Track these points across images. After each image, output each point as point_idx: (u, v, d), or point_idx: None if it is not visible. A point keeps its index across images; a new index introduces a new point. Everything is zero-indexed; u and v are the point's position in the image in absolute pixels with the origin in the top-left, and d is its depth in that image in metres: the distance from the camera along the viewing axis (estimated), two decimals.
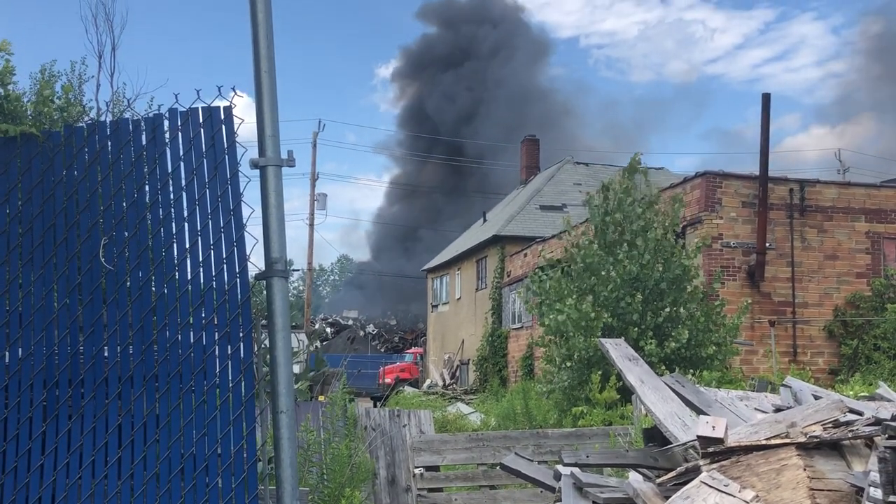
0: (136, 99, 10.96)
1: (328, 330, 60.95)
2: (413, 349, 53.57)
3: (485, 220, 44.83)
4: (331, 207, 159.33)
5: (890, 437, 3.77)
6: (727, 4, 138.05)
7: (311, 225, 47.91)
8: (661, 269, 15.78)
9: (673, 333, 15.50)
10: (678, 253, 16.20)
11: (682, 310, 15.89)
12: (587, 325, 15.70)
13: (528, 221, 37.44)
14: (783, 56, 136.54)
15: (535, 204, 39.38)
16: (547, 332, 16.97)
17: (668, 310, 15.72)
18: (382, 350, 58.32)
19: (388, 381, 38.83)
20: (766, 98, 20.99)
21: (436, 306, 47.31)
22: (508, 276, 35.30)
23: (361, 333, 61.52)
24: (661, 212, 16.76)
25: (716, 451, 4.41)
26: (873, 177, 31.82)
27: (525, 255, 32.82)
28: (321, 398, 14.54)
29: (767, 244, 20.56)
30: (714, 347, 15.81)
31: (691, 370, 14.87)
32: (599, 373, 14.53)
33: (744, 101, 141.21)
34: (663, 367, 14.38)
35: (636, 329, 15.51)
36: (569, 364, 15.95)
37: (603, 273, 15.96)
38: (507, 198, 48.29)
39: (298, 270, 49.62)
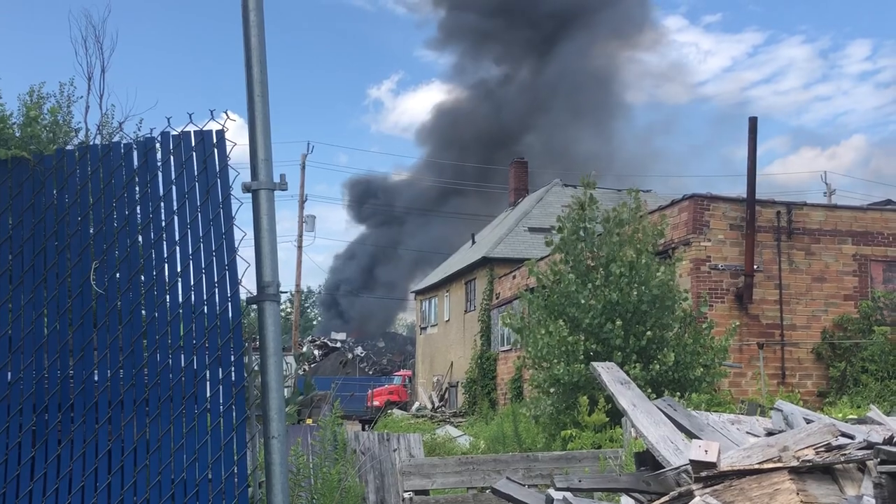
0: (126, 121, 10.98)
1: (316, 353, 60.76)
2: (402, 371, 53.44)
3: (473, 243, 44.87)
4: (320, 229, 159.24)
5: (883, 462, 3.77)
6: (716, 28, 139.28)
7: (300, 247, 47.88)
8: (637, 293, 15.72)
9: (658, 356, 15.48)
10: (653, 272, 16.11)
11: (668, 333, 15.88)
12: (567, 351, 15.67)
13: (517, 243, 37.48)
14: (771, 79, 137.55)
15: (523, 226, 39.45)
16: (528, 357, 16.97)
17: (650, 333, 15.70)
18: (371, 373, 58.15)
19: (376, 403, 38.69)
20: (753, 122, 21.14)
21: (424, 328, 47.25)
22: (497, 298, 35.30)
23: (350, 356, 61.35)
24: (636, 233, 16.69)
25: (708, 475, 4.41)
26: (862, 199, 32.04)
27: (514, 277, 32.84)
28: (309, 422, 14.47)
29: (755, 266, 20.64)
30: (702, 370, 15.80)
31: (679, 393, 14.86)
32: (586, 397, 14.51)
33: (732, 123, 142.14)
34: (650, 390, 14.36)
35: (620, 354, 15.48)
36: (553, 390, 15.91)
37: (583, 301, 15.93)
38: (496, 220, 48.38)
39: (286, 293, 49.61)
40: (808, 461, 4.34)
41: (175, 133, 4.84)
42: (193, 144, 4.80)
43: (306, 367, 47.58)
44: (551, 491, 5.04)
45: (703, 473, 4.41)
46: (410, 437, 11.30)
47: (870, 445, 4.31)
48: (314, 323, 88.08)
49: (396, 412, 34.72)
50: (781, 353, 20.90)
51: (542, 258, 19.70)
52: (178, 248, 4.76)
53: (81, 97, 10.90)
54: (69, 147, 9.31)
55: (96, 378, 4.68)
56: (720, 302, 20.39)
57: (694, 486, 4.45)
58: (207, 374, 4.64)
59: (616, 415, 12.79)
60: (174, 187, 4.80)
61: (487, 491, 9.21)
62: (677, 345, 15.78)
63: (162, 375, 4.65)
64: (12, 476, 4.57)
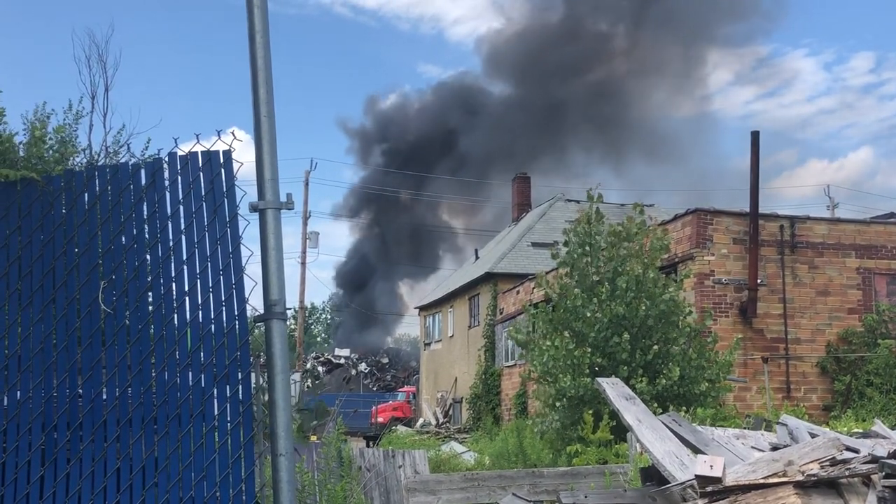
0: (131, 139, 11.02)
1: (320, 369, 60.73)
2: (406, 388, 53.39)
3: (477, 258, 44.91)
4: (323, 245, 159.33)
5: (887, 476, 3.80)
6: (719, 41, 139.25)
7: (304, 263, 47.97)
8: (644, 307, 15.77)
9: (664, 371, 15.49)
10: (661, 288, 16.16)
11: (673, 347, 15.89)
12: (573, 365, 15.67)
13: (520, 259, 37.53)
14: (775, 92, 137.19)
15: (526, 241, 39.50)
16: (533, 371, 16.99)
17: (656, 347, 15.72)
18: (375, 389, 58.09)
19: (381, 420, 38.64)
20: (756, 136, 21.20)
21: (428, 344, 47.23)
22: (501, 313, 35.30)
23: (353, 372, 61.30)
24: (641, 248, 16.74)
25: (714, 490, 4.43)
26: (867, 212, 32.02)
27: (517, 292, 32.85)
28: (314, 439, 14.47)
29: (759, 280, 20.65)
30: (707, 384, 15.79)
31: (684, 407, 14.85)
32: (591, 412, 14.50)
33: (737, 136, 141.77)
34: (655, 405, 14.35)
35: (626, 368, 15.48)
36: (558, 404, 15.92)
37: (588, 315, 15.96)
38: (499, 235, 48.44)
39: (290, 309, 49.68)
40: (813, 476, 4.36)
41: (182, 153, 4.88)
42: (201, 165, 4.84)
43: (309, 384, 47.57)
44: None
45: (709, 489, 4.43)
46: (415, 453, 11.32)
47: (874, 459, 4.33)
48: (318, 339, 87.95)
49: (401, 428, 34.68)
50: (786, 367, 20.88)
51: (549, 271, 19.76)
52: (185, 267, 4.80)
53: (88, 113, 10.95)
54: (74, 166, 9.37)
55: (105, 397, 4.71)
56: (724, 316, 20.41)
57: (699, 502, 4.47)
58: (215, 392, 4.66)
59: (621, 430, 12.77)
60: (182, 207, 4.84)
61: None
62: (682, 359, 15.78)
63: (170, 394, 4.68)
64: (21, 495, 4.60)
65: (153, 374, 4.72)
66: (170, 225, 4.84)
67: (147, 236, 4.87)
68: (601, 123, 73.90)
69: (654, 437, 5.24)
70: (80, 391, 4.74)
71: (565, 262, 17.06)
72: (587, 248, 16.77)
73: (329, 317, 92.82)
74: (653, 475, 5.34)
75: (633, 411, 5.54)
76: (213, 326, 4.71)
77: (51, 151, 9.56)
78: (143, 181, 4.93)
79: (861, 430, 8.17)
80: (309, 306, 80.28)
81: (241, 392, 4.63)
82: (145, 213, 4.88)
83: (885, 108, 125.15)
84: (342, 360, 64.09)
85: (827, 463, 4.53)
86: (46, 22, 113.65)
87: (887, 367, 19.65)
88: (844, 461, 4.51)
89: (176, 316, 4.79)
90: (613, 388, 5.71)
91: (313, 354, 67.09)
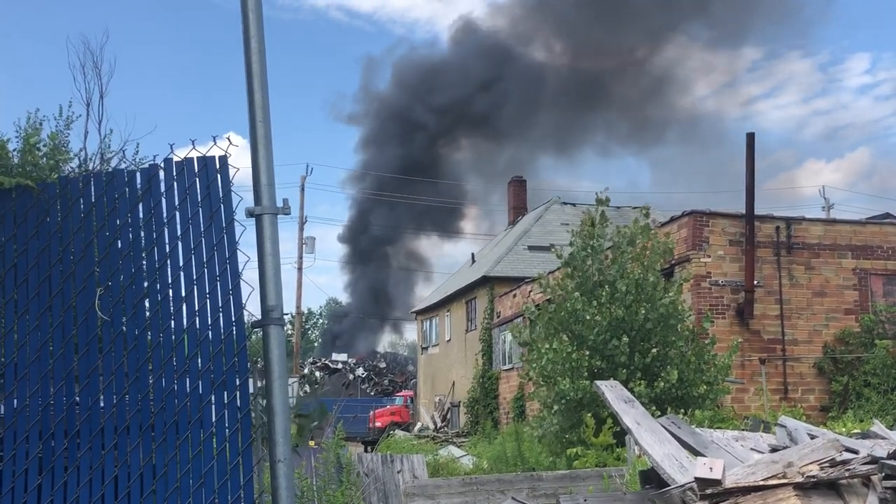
0: (126, 145, 10.99)
1: (318, 374, 60.67)
2: (403, 392, 53.35)
3: (473, 262, 44.91)
4: (320, 251, 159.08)
5: (888, 477, 3.79)
6: (714, 43, 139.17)
7: (300, 269, 47.97)
8: (644, 310, 15.78)
9: (662, 374, 15.50)
10: (660, 291, 16.19)
11: (672, 350, 15.89)
12: (572, 367, 15.68)
13: (517, 262, 37.54)
14: (771, 94, 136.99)
15: (523, 245, 39.53)
16: (532, 374, 16.99)
17: (655, 350, 15.73)
18: (372, 393, 58.02)
19: (379, 424, 38.60)
20: (751, 137, 21.23)
21: (426, 348, 47.20)
22: (498, 316, 35.29)
23: (351, 377, 61.24)
24: (642, 250, 16.76)
25: (714, 492, 4.42)
26: (863, 213, 32.10)
27: (514, 295, 32.84)
28: (312, 444, 14.45)
29: (755, 282, 20.66)
30: (705, 386, 15.80)
31: (683, 410, 14.86)
32: (590, 415, 14.49)
33: (732, 138, 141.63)
34: (654, 408, 14.36)
35: (625, 371, 15.49)
36: (556, 408, 15.91)
37: (588, 317, 15.97)
38: (496, 239, 48.45)
39: (287, 314, 49.59)
40: (813, 477, 4.36)
41: (178, 159, 4.86)
42: (197, 170, 4.82)
43: (307, 389, 47.50)
44: None
45: (709, 491, 4.42)
46: (414, 458, 11.30)
47: (874, 460, 4.33)
48: (315, 345, 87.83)
49: (399, 433, 34.64)
50: (783, 368, 20.89)
51: (550, 272, 19.76)
52: (182, 273, 4.77)
53: (80, 116, 10.91)
54: (68, 172, 9.35)
55: (102, 404, 4.69)
56: (721, 318, 20.41)
57: None
58: (213, 399, 4.64)
59: (622, 434, 12.78)
60: (178, 213, 4.82)
61: None
62: (681, 362, 15.79)
63: (167, 400, 4.66)
64: None
65: (150, 381, 4.69)
66: (166, 231, 4.82)
67: (143, 242, 4.85)
68: (618, 115, 73.84)
69: (653, 439, 5.23)
70: (78, 399, 4.72)
71: (568, 262, 17.06)
72: (590, 249, 16.79)
73: (325, 322, 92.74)
74: (652, 478, 5.33)
75: (631, 414, 5.52)
76: (210, 333, 4.69)
77: (45, 159, 9.54)
78: (139, 187, 4.91)
79: (860, 431, 8.16)
80: (306, 311, 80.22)
81: (238, 398, 4.61)
82: (141, 219, 4.86)
83: (880, 108, 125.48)
84: (340, 365, 64.03)
85: (826, 464, 4.52)
86: (46, 23, 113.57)
87: (884, 368, 19.67)
88: (844, 462, 4.50)
89: (173, 322, 4.76)
90: (612, 392, 5.70)
91: (310, 360, 67.02)
